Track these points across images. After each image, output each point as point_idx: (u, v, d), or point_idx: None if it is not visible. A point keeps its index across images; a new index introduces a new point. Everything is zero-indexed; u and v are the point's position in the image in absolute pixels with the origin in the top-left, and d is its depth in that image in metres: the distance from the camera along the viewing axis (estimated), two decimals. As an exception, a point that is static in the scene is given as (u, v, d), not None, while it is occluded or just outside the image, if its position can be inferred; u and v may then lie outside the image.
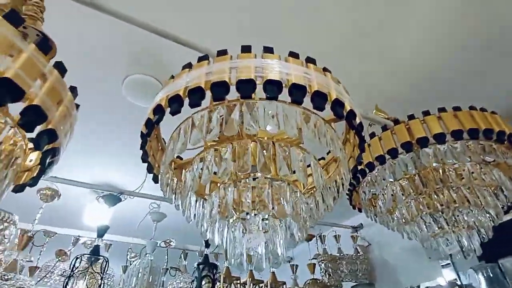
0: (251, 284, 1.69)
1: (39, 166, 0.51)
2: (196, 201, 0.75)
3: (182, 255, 2.73)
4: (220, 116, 0.55)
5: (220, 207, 0.60)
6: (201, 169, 0.60)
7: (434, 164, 1.02)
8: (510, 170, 1.08)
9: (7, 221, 1.28)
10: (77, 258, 1.31)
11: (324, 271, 2.08)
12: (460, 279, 1.76)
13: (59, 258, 2.09)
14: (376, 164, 1.07)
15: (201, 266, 1.63)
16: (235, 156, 0.57)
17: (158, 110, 0.55)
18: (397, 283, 2.13)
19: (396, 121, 1.12)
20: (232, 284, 1.70)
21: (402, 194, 1.09)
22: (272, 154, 0.59)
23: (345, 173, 0.71)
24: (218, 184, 0.65)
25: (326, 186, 0.71)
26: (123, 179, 1.89)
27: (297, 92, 0.53)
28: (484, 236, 1.08)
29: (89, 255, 1.35)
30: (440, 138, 0.93)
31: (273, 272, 1.88)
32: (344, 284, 2.18)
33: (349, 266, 2.18)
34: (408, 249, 2.14)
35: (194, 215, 0.74)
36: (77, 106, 0.57)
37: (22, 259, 2.12)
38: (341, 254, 2.27)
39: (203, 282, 1.56)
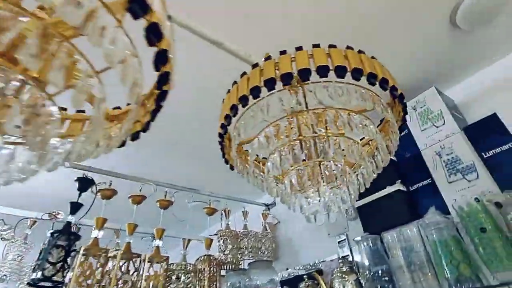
0: (122, 259, 1.45)
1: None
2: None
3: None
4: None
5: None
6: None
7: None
8: (389, 130, 0.96)
9: None
10: None
11: (222, 248, 1.92)
12: (352, 254, 1.72)
13: None
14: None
15: (55, 235, 1.34)
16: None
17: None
18: (298, 260, 2.05)
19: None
20: (100, 256, 1.43)
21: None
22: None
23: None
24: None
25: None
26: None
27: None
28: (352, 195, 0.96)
29: None
30: (304, 74, 0.77)
31: (158, 246, 1.66)
32: (245, 262, 2.05)
33: (251, 243, 2.05)
34: (310, 226, 2.08)
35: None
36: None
37: None
38: (246, 231, 2.13)
39: (54, 253, 1.28)
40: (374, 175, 0.98)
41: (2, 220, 2.15)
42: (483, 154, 1.15)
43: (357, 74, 0.64)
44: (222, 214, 2.16)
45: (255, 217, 2.38)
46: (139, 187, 1.76)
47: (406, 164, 1.40)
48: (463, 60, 1.45)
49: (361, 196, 1.49)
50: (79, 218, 1.55)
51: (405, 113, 0.87)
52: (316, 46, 0.71)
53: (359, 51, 0.73)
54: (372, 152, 1.01)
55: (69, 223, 1.45)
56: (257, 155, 1.04)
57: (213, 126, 0.91)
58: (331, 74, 0.70)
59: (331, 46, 0.80)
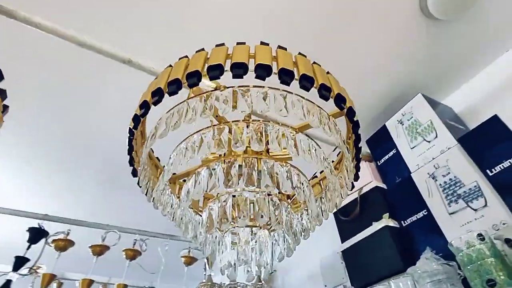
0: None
1: None
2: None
3: (55, 284, 2.24)
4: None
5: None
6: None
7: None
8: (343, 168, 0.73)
9: None
10: None
11: (199, 305, 1.62)
12: (351, 314, 1.34)
13: None
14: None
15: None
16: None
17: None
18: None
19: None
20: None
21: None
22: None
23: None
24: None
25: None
26: None
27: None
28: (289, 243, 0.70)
29: None
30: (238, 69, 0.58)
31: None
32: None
33: (237, 298, 1.73)
34: (307, 275, 1.73)
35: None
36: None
37: None
38: (233, 283, 1.82)
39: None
40: (317, 224, 0.73)
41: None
42: (488, 171, 0.84)
43: (306, 82, 0.49)
44: (205, 263, 1.88)
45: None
46: (102, 236, 1.59)
47: (396, 192, 1.10)
48: (454, 59, 1.18)
49: (345, 236, 1.18)
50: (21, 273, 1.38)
51: (358, 150, 0.64)
52: (264, 44, 0.55)
53: (314, 63, 0.57)
54: (320, 193, 0.77)
55: (8, 281, 1.29)
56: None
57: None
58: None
59: (280, 47, 0.62)
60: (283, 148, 0.63)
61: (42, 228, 1.44)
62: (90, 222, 1.58)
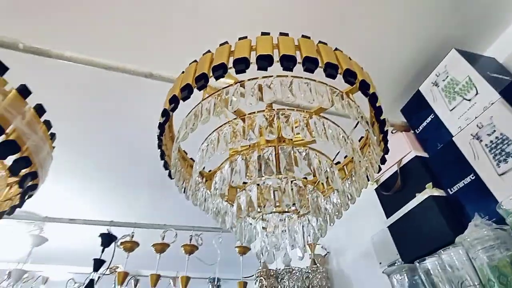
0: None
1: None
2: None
3: (132, 281, 2.52)
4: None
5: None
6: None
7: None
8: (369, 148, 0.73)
9: None
10: None
11: (257, 291, 1.71)
12: None
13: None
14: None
15: (74, 295, 1.37)
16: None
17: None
18: (352, 298, 1.68)
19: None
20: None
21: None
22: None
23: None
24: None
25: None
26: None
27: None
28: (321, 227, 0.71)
29: None
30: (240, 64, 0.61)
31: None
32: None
33: (293, 282, 1.78)
34: (360, 254, 1.71)
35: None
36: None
37: None
38: (289, 268, 1.87)
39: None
40: (348, 205, 0.73)
41: (72, 279, 2.39)
42: (538, 122, 0.75)
43: (310, 64, 0.49)
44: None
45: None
46: (161, 235, 1.74)
47: (438, 160, 1.03)
48: (488, 4, 1.05)
49: (389, 211, 1.14)
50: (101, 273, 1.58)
51: (382, 123, 0.63)
52: (265, 34, 0.56)
53: (319, 42, 0.57)
54: (347, 177, 0.78)
55: (91, 281, 1.49)
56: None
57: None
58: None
59: (282, 34, 0.63)
60: (297, 134, 0.64)
61: (111, 233, 1.63)
62: (149, 224, 1.75)
